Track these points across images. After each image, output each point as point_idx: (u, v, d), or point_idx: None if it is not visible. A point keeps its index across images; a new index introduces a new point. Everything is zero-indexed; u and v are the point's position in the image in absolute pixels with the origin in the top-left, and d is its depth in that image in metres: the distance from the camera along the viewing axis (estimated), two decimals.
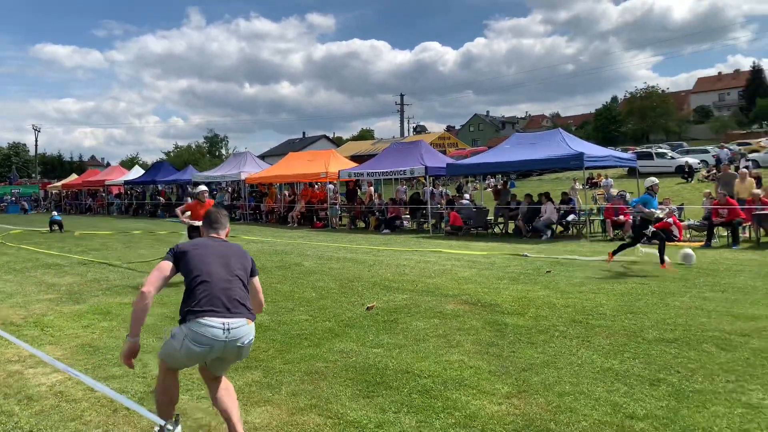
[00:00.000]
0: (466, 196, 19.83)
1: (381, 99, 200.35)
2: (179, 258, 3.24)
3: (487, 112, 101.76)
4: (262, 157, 48.60)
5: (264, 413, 3.81)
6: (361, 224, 20.95)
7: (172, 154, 78.67)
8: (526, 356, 4.87)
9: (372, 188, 23.10)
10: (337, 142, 70.45)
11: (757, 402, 3.77)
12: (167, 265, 3.21)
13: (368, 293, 7.78)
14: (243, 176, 25.23)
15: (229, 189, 30.17)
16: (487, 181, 28.38)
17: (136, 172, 36.05)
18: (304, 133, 77.11)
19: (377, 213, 19.98)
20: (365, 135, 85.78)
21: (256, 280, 3.45)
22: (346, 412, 3.78)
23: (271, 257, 12.01)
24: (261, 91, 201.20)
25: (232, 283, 3.19)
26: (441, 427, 3.51)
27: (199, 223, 8.25)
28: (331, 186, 22.74)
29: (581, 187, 21.82)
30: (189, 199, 21.34)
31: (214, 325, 3.00)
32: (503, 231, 17.19)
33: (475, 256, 11.53)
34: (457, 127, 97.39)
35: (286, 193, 26.61)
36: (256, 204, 25.85)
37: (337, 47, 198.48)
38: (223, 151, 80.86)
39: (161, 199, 33.09)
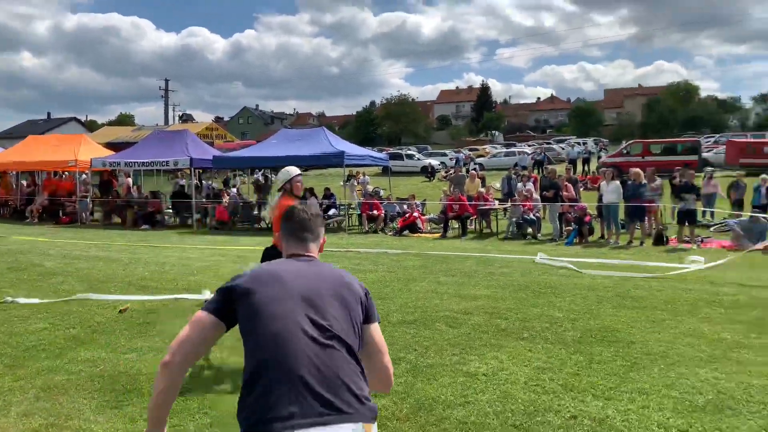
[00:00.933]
0: (234, 190, 19.51)
1: (143, 82, 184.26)
2: (234, 304, 1.83)
3: (257, 105, 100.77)
4: None
5: None
6: (117, 219, 19.16)
7: None
8: None
9: (130, 180, 21.14)
10: (91, 127, 62.51)
11: (474, 370, 4.46)
12: (206, 320, 1.84)
13: (122, 294, 7.23)
14: None
15: None
16: (255, 175, 28.25)
17: None
18: (49, 114, 66.60)
19: (135, 207, 18.46)
20: (125, 120, 78.15)
21: (376, 329, 1.98)
22: (90, 426, 3.53)
23: (1, 257, 10.32)
24: None
25: (329, 350, 1.74)
26: (195, 429, 3.51)
27: None
28: (82, 176, 20.28)
29: (369, 182, 22.97)
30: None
31: None
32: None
33: (243, 251, 11.53)
34: (226, 118, 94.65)
35: (24, 183, 22.87)
36: None
37: (93, 20, 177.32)
38: None
39: None
